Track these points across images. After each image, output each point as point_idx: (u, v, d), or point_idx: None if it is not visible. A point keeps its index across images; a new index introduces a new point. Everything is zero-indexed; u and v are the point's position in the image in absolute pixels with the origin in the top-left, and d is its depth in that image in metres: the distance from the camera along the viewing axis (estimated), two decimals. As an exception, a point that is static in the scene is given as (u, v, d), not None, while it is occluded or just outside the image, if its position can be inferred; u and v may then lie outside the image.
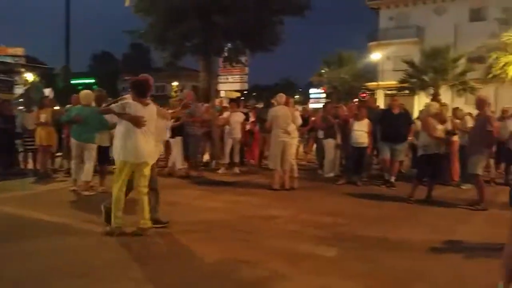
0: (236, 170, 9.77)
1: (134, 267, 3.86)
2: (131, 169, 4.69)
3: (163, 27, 10.88)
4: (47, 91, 14.29)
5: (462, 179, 8.38)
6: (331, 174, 9.16)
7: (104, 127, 6.77)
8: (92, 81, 36.99)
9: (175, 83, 44.26)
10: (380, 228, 5.32)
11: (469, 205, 6.56)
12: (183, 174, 8.88)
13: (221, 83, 18.03)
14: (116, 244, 4.50)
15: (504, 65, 21.39)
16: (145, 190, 4.75)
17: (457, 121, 8.59)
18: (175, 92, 41.50)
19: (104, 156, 7.13)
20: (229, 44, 12.57)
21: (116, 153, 4.74)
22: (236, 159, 10.02)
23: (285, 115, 7.65)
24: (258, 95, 44.29)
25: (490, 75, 22.04)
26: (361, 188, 8.18)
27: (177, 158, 9.02)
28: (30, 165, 9.34)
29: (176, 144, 8.96)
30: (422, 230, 5.31)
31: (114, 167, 4.88)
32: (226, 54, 13.10)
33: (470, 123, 7.94)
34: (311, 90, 38.38)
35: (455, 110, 8.88)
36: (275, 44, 12.01)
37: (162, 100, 17.82)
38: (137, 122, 4.61)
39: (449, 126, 8.49)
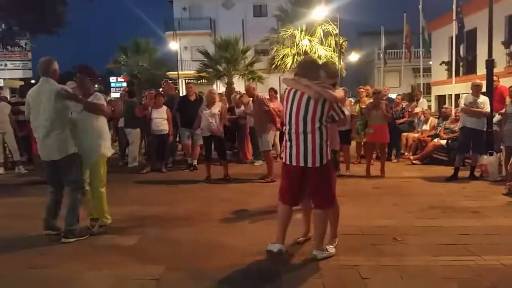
0: (22, 169, 8.56)
1: None
2: None
3: None
4: None
5: (254, 156, 9.34)
6: (135, 164, 8.94)
7: None
8: None
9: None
10: (179, 209, 5.52)
11: (261, 178, 7.37)
12: None
13: (-4, 70, 15.39)
14: None
15: (283, 57, 24.55)
16: None
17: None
18: None
19: None
20: (3, 25, 10.79)
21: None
22: (16, 157, 8.75)
23: None
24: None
25: (273, 66, 25.00)
26: (166, 174, 8.26)
27: None
28: None
29: None
30: (220, 205, 5.69)
31: None
32: (-1, 36, 11.19)
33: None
34: (111, 79, 36.44)
35: (242, 96, 9.72)
36: (59, 26, 10.87)
37: None
38: None
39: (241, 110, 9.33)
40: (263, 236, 4.24)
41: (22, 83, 16.98)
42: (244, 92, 10.00)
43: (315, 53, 23.77)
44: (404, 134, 9.85)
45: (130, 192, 6.71)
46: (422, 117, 10.00)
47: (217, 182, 7.30)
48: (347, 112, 7.54)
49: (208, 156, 7.70)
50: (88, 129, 4.39)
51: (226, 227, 4.73)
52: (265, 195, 6.22)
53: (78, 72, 4.63)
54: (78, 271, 3.49)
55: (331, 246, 3.79)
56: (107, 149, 4.60)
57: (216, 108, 7.46)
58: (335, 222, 3.94)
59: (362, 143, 8.93)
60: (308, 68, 3.69)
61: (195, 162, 8.72)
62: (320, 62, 4.18)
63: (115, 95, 27.62)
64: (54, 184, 4.37)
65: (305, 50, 23.66)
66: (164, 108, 8.53)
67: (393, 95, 11.53)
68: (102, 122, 4.55)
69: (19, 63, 16.28)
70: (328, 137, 3.56)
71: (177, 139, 9.76)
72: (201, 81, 25.77)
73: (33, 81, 23.48)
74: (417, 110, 10.43)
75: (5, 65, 16.24)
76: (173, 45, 30.17)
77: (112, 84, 34.66)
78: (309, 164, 3.50)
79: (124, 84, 32.08)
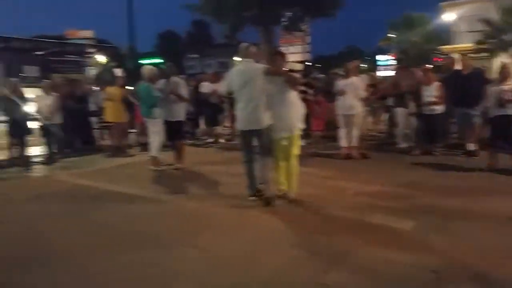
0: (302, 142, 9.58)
1: (203, 235, 3.92)
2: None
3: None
4: (118, 71, 14.88)
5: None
6: (405, 145, 8.65)
7: (154, 102, 6.78)
8: (160, 60, 37.98)
9: (237, 58, 44.34)
10: (461, 199, 4.91)
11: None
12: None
13: (283, 54, 17.68)
14: (183, 212, 4.68)
15: None
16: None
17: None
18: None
19: (176, 132, 7.08)
20: (289, 13, 12.26)
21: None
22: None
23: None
24: (323, 65, 43.09)
25: None
26: (438, 158, 7.59)
27: None
28: (105, 141, 9.88)
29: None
30: (510, 200, 4.81)
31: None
32: (285, 23, 12.80)
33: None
34: (379, 57, 36.51)
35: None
36: (335, 8, 11.50)
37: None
38: None
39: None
40: None
41: (301, 65, 19.00)
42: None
43: None
44: None
45: (399, 174, 6.51)
46: None
47: (502, 172, 6.19)
48: None
49: (496, 141, 6.53)
50: (288, 103, 4.75)
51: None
52: None
53: (273, 53, 5.22)
54: (352, 245, 3.58)
55: None
56: (300, 121, 4.93)
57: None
58: None
59: None
60: None
61: (472, 147, 7.71)
62: None
63: (381, 73, 27.59)
64: (248, 152, 4.91)
65: None
66: (435, 84, 7.81)
67: None
68: (296, 97, 4.92)
69: (300, 47, 18.26)
70: None
71: (452, 120, 8.83)
72: (480, 54, 22.56)
73: (309, 63, 26.00)
74: None
75: (288, 49, 18.46)
76: (448, 16, 27.44)
77: (380, 63, 34.73)
78: None
79: (392, 62, 31.63)
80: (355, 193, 5.32)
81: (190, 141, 10.03)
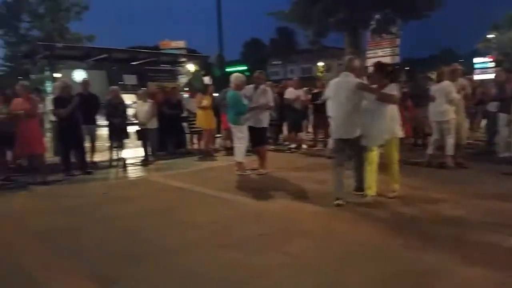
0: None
1: (289, 241, 3.92)
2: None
3: (307, 4, 10.80)
4: (206, 79, 15.56)
5: None
6: (507, 154, 7.84)
7: (242, 109, 6.86)
8: (245, 68, 39.02)
9: (320, 63, 44.01)
10: None
11: None
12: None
13: (369, 58, 17.13)
14: (268, 216, 4.75)
15: None
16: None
17: None
18: (321, 72, 41.29)
19: (259, 138, 7.20)
20: (377, 15, 11.84)
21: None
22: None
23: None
24: (412, 68, 40.75)
25: None
26: (546, 170, 6.79)
27: None
28: (195, 145, 10.42)
29: None
30: None
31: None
32: (374, 26, 12.37)
33: None
34: (475, 60, 33.71)
35: None
36: (430, 9, 10.78)
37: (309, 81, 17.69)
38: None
39: None
40: None
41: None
42: None
43: None
44: None
45: (499, 186, 5.87)
46: None
47: None
48: None
49: None
50: (381, 115, 5.00)
51: None
52: None
53: (373, 68, 5.40)
54: (448, 263, 3.32)
55: None
56: (398, 130, 5.23)
57: None
58: None
59: None
60: None
61: None
62: None
63: (479, 77, 25.49)
64: (339, 158, 5.19)
65: None
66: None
67: None
68: (392, 108, 5.13)
69: (388, 50, 17.45)
70: None
71: None
72: None
73: (398, 66, 24.74)
74: None
75: (376, 53, 17.74)
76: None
77: (477, 66, 32.07)
78: None
79: (490, 65, 29.08)
80: (449, 205, 4.95)
81: (273, 147, 10.14)
